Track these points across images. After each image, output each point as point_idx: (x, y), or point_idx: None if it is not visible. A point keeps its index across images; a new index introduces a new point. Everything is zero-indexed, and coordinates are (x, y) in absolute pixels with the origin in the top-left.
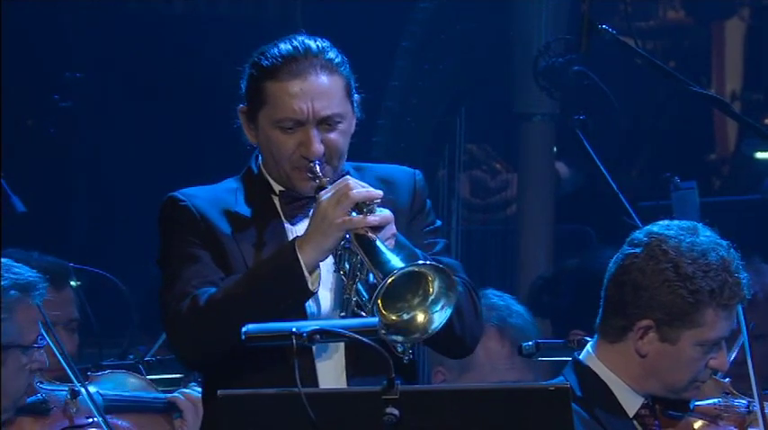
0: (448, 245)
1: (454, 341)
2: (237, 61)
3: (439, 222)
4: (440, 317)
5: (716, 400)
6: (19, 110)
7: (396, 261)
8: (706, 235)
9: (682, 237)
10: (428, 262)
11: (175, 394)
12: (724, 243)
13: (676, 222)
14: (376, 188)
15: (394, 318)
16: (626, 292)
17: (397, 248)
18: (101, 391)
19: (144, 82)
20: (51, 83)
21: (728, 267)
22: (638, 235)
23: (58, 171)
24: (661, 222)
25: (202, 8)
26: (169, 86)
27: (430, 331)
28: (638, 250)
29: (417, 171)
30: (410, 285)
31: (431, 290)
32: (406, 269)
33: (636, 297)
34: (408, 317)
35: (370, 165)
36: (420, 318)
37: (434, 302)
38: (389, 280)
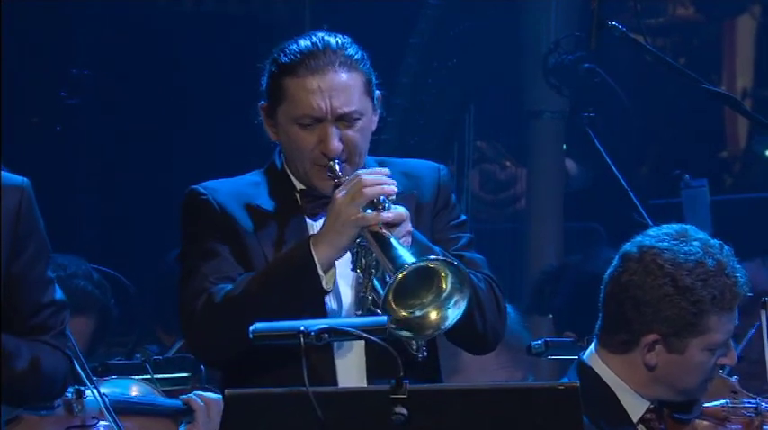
0: (473, 239)
1: (476, 337)
2: (246, 59)
3: (464, 217)
4: (453, 313)
5: (724, 401)
6: (25, 107)
7: (408, 257)
8: (697, 238)
9: (675, 248)
10: (440, 257)
11: (191, 395)
12: (716, 243)
13: (665, 229)
14: (400, 182)
15: (405, 314)
16: (627, 309)
17: (414, 245)
18: (105, 393)
19: (152, 79)
20: (58, 79)
21: (724, 270)
22: (631, 249)
23: (64, 170)
24: (650, 232)
25: (211, 6)
26: (177, 84)
27: (443, 328)
28: (633, 266)
29: (442, 166)
30: (424, 282)
31: (444, 286)
32: (418, 264)
33: (638, 313)
34: (421, 314)
35: (394, 160)
36: (433, 315)
37: (447, 298)
38: (400, 275)
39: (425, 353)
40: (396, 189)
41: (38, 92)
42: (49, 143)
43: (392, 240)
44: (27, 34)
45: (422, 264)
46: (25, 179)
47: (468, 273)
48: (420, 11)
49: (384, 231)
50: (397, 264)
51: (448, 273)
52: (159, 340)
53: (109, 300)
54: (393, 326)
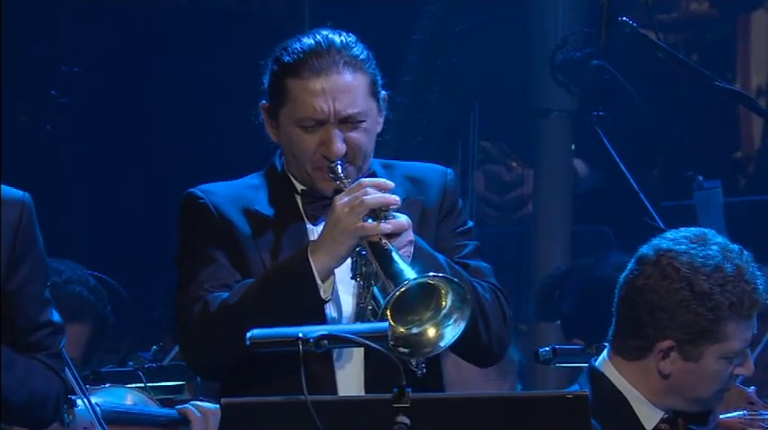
0: (479, 247)
1: (481, 349)
2: (244, 57)
3: (471, 223)
4: (451, 332)
5: (740, 413)
6: (13, 106)
7: (408, 271)
8: (717, 242)
9: (693, 252)
10: (440, 274)
11: (188, 405)
12: (735, 248)
13: (683, 232)
14: (405, 187)
15: (402, 330)
16: (641, 314)
17: (417, 255)
18: (98, 403)
19: (145, 77)
20: (48, 77)
21: (744, 275)
22: (647, 252)
23: (54, 170)
24: (668, 235)
25: (208, 1)
26: (173, 82)
27: (441, 346)
28: (649, 269)
29: (449, 170)
30: (423, 298)
31: (443, 303)
32: (417, 281)
33: (653, 318)
34: (418, 331)
35: (399, 163)
36: (430, 332)
37: (447, 317)
38: (398, 292)
39: (425, 370)
40: (398, 200)
41: (27, 90)
42: (39, 143)
43: (392, 252)
44: (15, 30)
45: (421, 280)
46: (26, 194)
47: (472, 287)
48: (422, 7)
49: (384, 242)
50: (395, 279)
51: (449, 290)
52: (167, 348)
53: (105, 306)
54: (391, 343)
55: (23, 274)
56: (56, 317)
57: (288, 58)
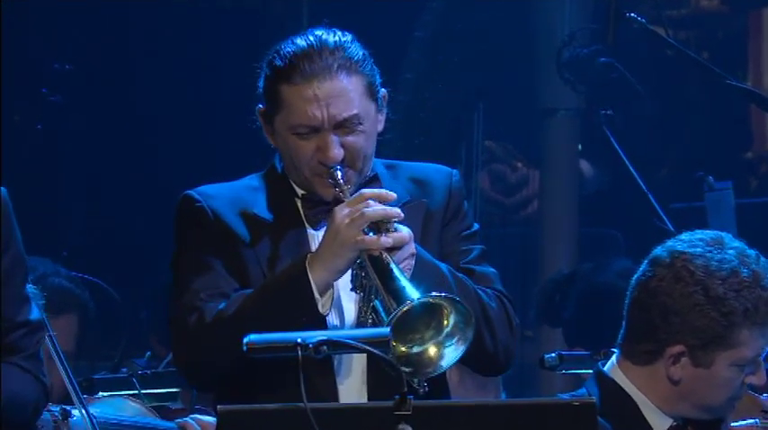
0: (485, 251)
1: (486, 358)
2: (241, 55)
3: (476, 226)
4: (453, 353)
5: (752, 421)
6: (4, 105)
7: (410, 290)
8: (733, 246)
9: (709, 255)
10: (443, 294)
11: (187, 419)
12: (752, 253)
13: (699, 235)
14: (409, 188)
15: (403, 349)
16: (653, 317)
17: (419, 267)
18: (94, 414)
19: (141, 75)
20: (39, 75)
21: (760, 281)
22: (661, 253)
23: (46, 170)
24: (683, 237)
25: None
26: (168, 80)
27: (440, 368)
28: (662, 271)
29: (455, 171)
30: (425, 316)
31: (446, 323)
32: (420, 301)
33: (665, 322)
34: (419, 350)
35: (403, 163)
36: (431, 352)
37: (448, 337)
38: (400, 312)
39: (427, 389)
40: (400, 213)
41: (18, 88)
42: (30, 143)
43: (393, 268)
44: (5, 26)
45: (424, 300)
46: (1, 188)
47: (477, 297)
48: (425, 3)
49: (384, 256)
50: (398, 297)
51: (452, 309)
52: (153, 350)
53: (84, 291)
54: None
55: (0, 272)
56: (34, 315)
57: (280, 62)
